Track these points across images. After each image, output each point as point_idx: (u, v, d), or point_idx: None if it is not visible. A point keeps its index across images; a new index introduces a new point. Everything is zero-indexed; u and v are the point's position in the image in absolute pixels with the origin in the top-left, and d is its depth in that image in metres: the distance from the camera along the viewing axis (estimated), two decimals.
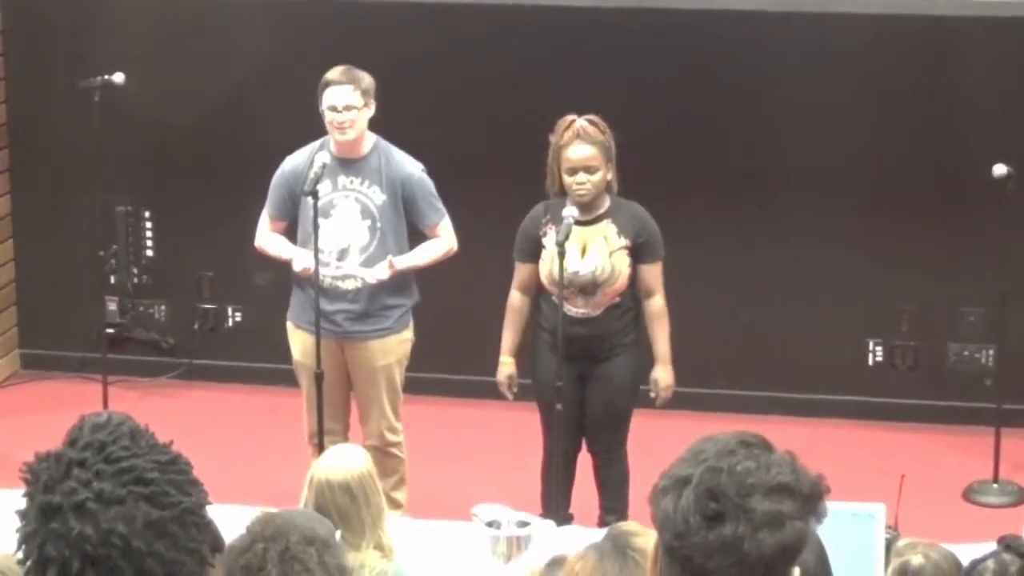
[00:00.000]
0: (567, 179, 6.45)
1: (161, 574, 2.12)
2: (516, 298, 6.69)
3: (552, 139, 6.51)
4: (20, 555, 2.15)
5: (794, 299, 8.35)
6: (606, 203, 6.52)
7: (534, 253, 6.61)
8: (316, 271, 6.56)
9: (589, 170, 6.42)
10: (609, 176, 6.49)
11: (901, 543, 4.63)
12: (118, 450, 2.15)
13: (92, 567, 2.10)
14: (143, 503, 2.12)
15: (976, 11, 7.92)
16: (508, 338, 6.70)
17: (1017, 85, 8.01)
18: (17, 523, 2.16)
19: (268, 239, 6.83)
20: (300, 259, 6.63)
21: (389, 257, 6.59)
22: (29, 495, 2.15)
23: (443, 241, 6.74)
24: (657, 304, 6.60)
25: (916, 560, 4.46)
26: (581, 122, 6.47)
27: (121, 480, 2.12)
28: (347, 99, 6.57)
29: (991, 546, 4.10)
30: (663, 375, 6.67)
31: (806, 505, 2.18)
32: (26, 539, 2.14)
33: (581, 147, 6.43)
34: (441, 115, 8.28)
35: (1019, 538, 3.71)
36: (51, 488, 2.12)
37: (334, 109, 6.58)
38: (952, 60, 8.14)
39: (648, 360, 6.74)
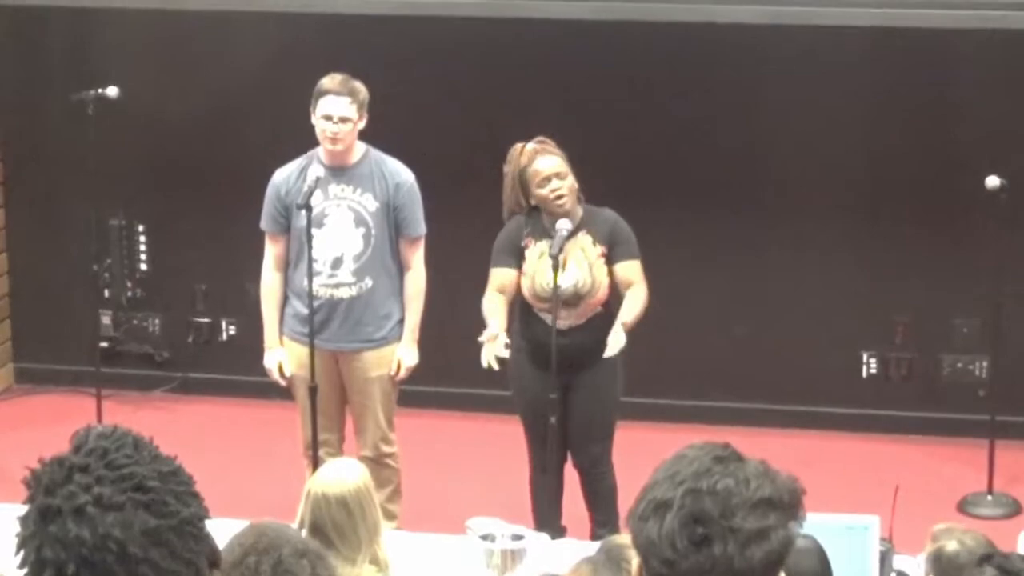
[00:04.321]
0: (541, 192, 6.49)
1: None
2: (493, 295, 6.62)
3: (507, 168, 6.57)
4: (18, 559, 2.16)
5: (788, 311, 8.35)
6: (579, 213, 6.56)
7: (514, 261, 6.59)
8: (310, 283, 6.57)
9: (560, 175, 6.48)
10: (576, 185, 6.54)
11: (939, 528, 4.63)
12: (120, 457, 2.16)
13: (88, 571, 2.11)
14: (142, 510, 2.13)
15: (970, 23, 7.92)
16: (496, 318, 6.48)
17: (1010, 97, 8.03)
18: (17, 527, 2.17)
19: (266, 297, 6.82)
20: (268, 358, 6.78)
21: (401, 358, 6.67)
22: (30, 498, 2.17)
23: (420, 280, 6.73)
24: (638, 289, 6.47)
25: (951, 546, 4.47)
26: (533, 144, 6.54)
27: (121, 487, 2.13)
28: (343, 111, 6.57)
29: None
30: (615, 334, 6.36)
31: (787, 513, 2.20)
32: (24, 542, 2.16)
33: (546, 158, 6.51)
34: (430, 127, 8.28)
35: (1008, 557, 3.67)
36: (52, 491, 2.14)
37: (329, 119, 6.58)
38: (945, 72, 8.15)
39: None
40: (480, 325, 6.59)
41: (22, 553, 2.16)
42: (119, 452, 2.17)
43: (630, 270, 6.53)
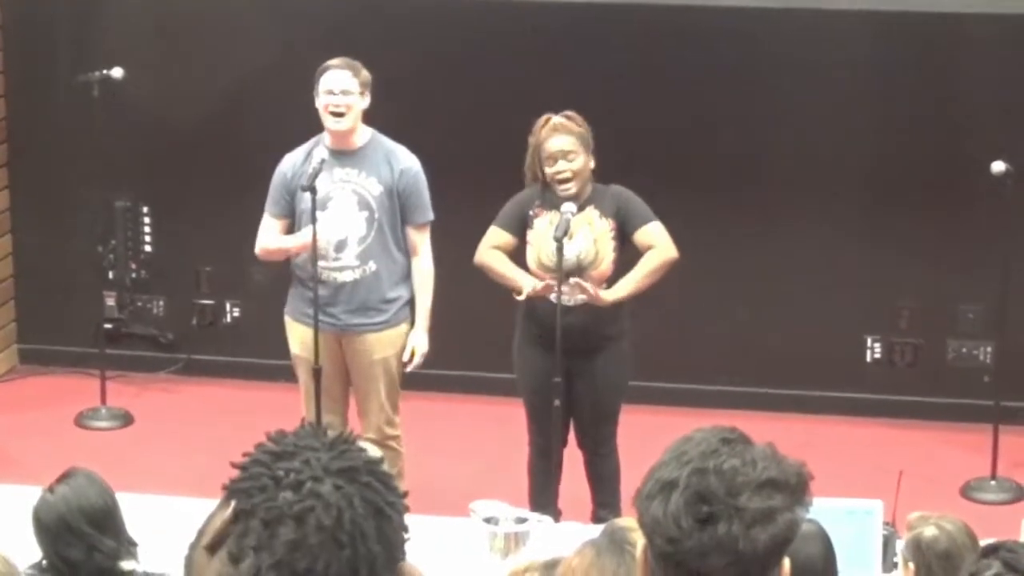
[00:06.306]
0: (549, 171, 6.51)
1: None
2: (492, 251, 6.64)
3: (531, 140, 6.57)
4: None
5: (793, 296, 8.34)
6: (588, 191, 6.56)
7: (516, 228, 6.62)
8: (314, 266, 6.56)
9: (567, 157, 6.48)
10: (591, 165, 6.54)
11: (913, 516, 4.63)
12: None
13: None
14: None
15: (976, 7, 7.92)
16: (518, 272, 6.58)
17: (1017, 82, 8.01)
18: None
19: (268, 239, 6.81)
20: (299, 238, 6.65)
21: (415, 346, 6.68)
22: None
23: (428, 266, 6.74)
24: (652, 252, 6.54)
25: (929, 532, 4.47)
26: (557, 118, 6.55)
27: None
28: (345, 84, 6.59)
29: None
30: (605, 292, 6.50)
31: (793, 496, 2.19)
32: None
33: (559, 137, 6.50)
34: (436, 112, 8.28)
35: (1015, 552, 3.61)
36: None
37: (331, 92, 6.59)
38: (951, 57, 8.14)
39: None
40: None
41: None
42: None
43: (648, 234, 6.56)
